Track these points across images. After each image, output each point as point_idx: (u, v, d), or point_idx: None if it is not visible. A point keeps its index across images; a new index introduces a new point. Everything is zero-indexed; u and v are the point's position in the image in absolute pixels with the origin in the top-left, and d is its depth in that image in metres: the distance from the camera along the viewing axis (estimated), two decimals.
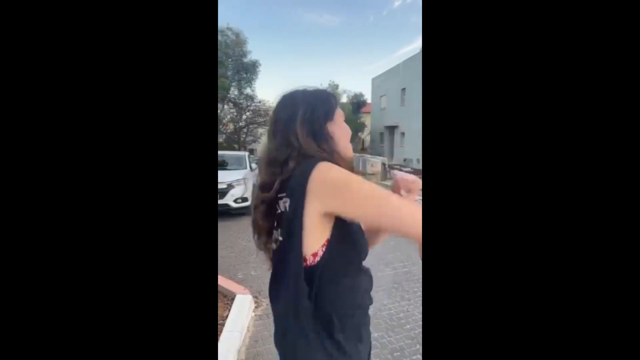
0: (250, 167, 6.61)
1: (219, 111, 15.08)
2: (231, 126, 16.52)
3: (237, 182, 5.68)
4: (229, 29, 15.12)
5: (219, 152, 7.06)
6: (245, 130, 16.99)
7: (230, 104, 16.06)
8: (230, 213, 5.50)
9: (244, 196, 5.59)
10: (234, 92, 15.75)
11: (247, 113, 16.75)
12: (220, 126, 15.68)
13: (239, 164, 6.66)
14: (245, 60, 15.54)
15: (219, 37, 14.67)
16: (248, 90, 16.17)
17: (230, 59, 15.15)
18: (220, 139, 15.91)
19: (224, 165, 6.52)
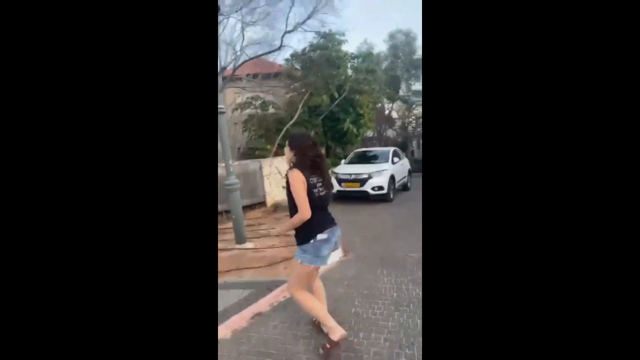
0: (392, 161, 7.56)
1: (389, 110, 16.49)
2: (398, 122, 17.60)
3: (377, 173, 6.85)
4: (398, 31, 16.11)
5: (371, 148, 8.49)
6: (414, 124, 17.58)
7: (399, 102, 17.07)
8: (369, 199, 6.74)
9: (380, 185, 6.68)
10: (403, 89, 16.65)
11: (418, 108, 17.20)
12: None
13: (383, 158, 7.77)
14: (414, 57, 16.04)
15: (391, 41, 15.98)
16: (417, 86, 16.59)
17: (399, 59, 16.13)
18: (392, 134, 17.40)
19: (373, 159, 7.82)
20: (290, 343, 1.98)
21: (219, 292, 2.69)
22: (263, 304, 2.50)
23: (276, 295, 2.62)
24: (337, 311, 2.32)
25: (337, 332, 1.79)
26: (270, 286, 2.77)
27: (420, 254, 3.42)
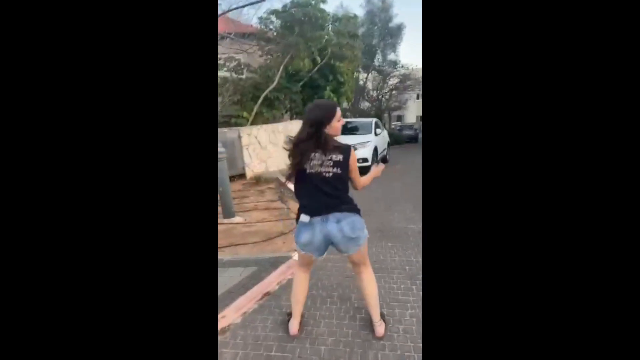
0: (375, 132, 7.42)
1: (363, 80, 16.12)
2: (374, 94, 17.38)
3: (361, 144, 6.69)
4: None
5: (352, 119, 8.25)
6: (387, 96, 17.49)
7: (375, 72, 16.74)
8: None
9: (364, 157, 6.56)
10: (378, 58, 16.28)
11: (392, 79, 17.04)
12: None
13: (366, 129, 7.60)
14: (390, 25, 15.59)
15: (367, 7, 15.29)
16: (392, 56, 16.33)
17: (376, 27, 15.60)
18: (365, 106, 17.17)
19: (354, 131, 7.62)
20: (311, 325, 1.83)
21: (218, 270, 2.44)
22: (270, 283, 2.29)
23: (283, 272, 2.43)
24: (352, 287, 2.20)
25: (291, 326, 1.74)
26: (273, 262, 2.57)
27: (418, 226, 3.40)
